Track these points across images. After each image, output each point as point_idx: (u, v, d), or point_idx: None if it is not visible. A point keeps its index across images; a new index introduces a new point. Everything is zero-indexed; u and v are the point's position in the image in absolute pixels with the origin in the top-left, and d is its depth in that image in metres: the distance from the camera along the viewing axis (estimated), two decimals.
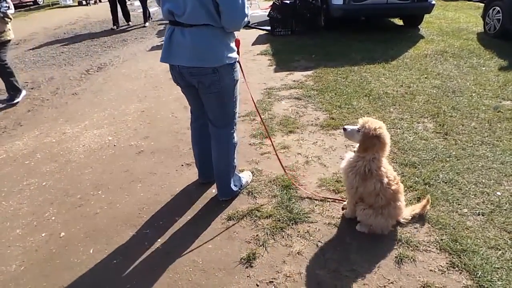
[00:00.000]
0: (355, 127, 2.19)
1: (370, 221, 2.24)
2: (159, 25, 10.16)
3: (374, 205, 2.23)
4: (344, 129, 2.24)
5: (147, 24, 10.21)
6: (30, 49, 8.31)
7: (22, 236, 2.57)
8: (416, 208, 2.42)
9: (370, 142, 2.11)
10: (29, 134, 4.11)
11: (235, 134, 2.59)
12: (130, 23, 10.22)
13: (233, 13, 2.05)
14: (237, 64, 2.37)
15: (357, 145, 2.21)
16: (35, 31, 10.24)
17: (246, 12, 2.10)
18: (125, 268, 2.23)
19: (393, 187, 2.19)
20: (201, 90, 2.33)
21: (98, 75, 6.12)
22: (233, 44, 2.29)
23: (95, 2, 16.23)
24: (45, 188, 3.10)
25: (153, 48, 7.64)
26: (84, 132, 4.08)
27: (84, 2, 15.77)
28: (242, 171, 2.98)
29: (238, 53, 2.35)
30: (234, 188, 2.74)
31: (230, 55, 2.24)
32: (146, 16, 10.32)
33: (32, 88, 5.66)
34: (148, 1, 10.40)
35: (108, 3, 9.80)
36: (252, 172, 3.03)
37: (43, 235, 2.57)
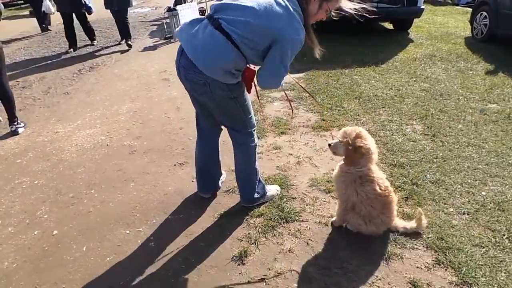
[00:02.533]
0: (337, 140, 2.18)
1: (362, 230, 2.28)
2: (151, 26, 10.14)
3: (365, 215, 2.22)
4: (329, 145, 2.24)
5: (129, 41, 7.91)
6: (21, 48, 8.24)
7: (14, 234, 2.57)
8: (411, 224, 2.35)
9: (352, 155, 2.10)
10: (21, 133, 4.09)
11: (254, 137, 2.48)
12: (95, 42, 8.14)
13: (271, 73, 2.03)
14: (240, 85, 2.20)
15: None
16: (26, 30, 10.14)
17: (283, 73, 2.04)
18: (118, 265, 2.26)
19: (384, 198, 2.17)
20: (198, 97, 2.25)
21: (90, 75, 6.11)
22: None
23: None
24: (37, 187, 3.10)
25: (146, 49, 7.64)
26: (76, 131, 4.08)
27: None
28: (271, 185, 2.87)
29: (249, 86, 2.23)
30: (256, 195, 2.61)
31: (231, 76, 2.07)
32: (127, 32, 7.91)
33: (23, 87, 5.62)
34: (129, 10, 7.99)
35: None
36: (281, 187, 2.89)
37: (35, 233, 2.57)
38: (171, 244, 2.39)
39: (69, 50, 7.64)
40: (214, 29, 1.96)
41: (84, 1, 7.22)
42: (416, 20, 8.13)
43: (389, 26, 8.68)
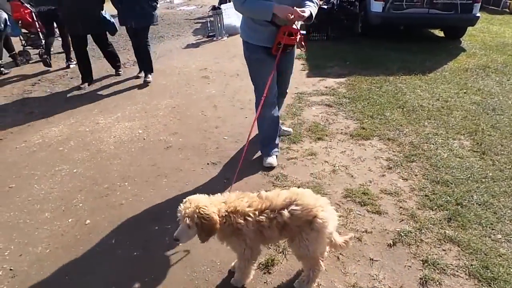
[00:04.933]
0: (182, 226, 1.77)
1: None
2: (195, 24, 10.30)
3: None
4: (176, 239, 1.81)
5: (149, 77, 5.54)
6: None
7: (50, 220, 2.66)
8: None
9: (204, 229, 1.74)
10: (65, 122, 4.26)
11: (255, 104, 3.12)
12: (120, 72, 6.01)
13: None
14: (253, 46, 2.90)
15: None
16: None
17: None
18: (145, 261, 2.27)
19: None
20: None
21: (133, 69, 6.26)
22: (258, 27, 2.79)
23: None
24: (75, 175, 3.20)
25: (189, 46, 7.75)
26: (116, 123, 4.18)
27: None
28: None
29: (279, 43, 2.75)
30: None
31: (247, 34, 2.90)
32: (147, 61, 5.56)
33: (71, 78, 5.88)
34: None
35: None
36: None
37: (69, 220, 2.65)
38: (197, 245, 2.33)
39: (82, 85, 5.40)
40: None
41: (105, 17, 5.32)
42: (469, 28, 7.67)
43: (439, 33, 8.26)
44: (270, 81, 2.77)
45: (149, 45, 5.53)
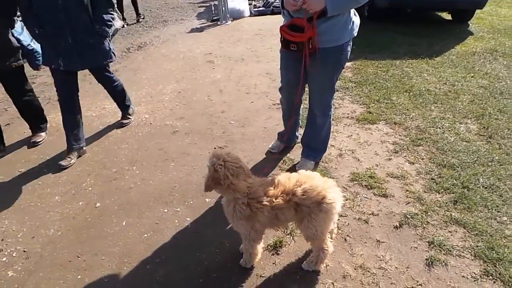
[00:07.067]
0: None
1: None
2: (199, 7, 10.18)
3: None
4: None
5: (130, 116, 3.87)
6: None
7: (60, 203, 2.70)
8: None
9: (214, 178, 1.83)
10: None
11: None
12: (40, 139, 3.53)
13: None
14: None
15: None
16: None
17: None
18: (155, 243, 2.31)
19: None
20: None
21: (138, 54, 6.25)
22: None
23: None
24: (84, 159, 3.23)
25: (193, 30, 7.68)
26: None
27: None
28: None
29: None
30: None
31: None
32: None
33: None
34: None
35: None
36: None
37: (80, 203, 2.69)
38: (207, 227, 2.40)
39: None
40: None
41: (19, 39, 3.21)
42: (477, 11, 7.54)
43: (447, 16, 8.13)
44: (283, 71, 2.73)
45: (115, 80, 3.62)
